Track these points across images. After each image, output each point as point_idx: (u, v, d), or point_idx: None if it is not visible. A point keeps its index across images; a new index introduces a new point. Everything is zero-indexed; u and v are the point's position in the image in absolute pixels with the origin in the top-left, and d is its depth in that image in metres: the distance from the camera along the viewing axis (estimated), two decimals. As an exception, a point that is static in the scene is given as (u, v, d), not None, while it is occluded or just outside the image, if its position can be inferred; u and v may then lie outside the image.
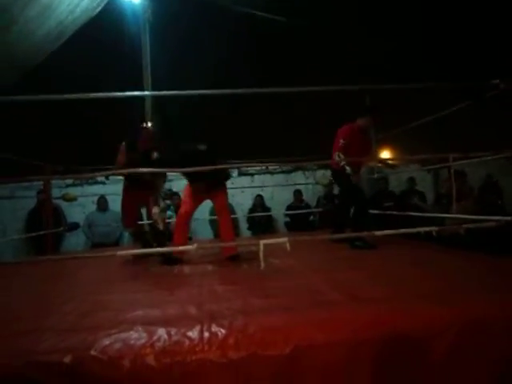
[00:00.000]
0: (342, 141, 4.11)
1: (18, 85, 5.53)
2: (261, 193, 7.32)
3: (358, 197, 4.22)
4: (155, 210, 3.76)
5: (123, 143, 3.96)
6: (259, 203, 7.13)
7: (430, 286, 2.32)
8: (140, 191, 3.95)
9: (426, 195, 6.98)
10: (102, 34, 6.22)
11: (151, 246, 4.06)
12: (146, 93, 5.59)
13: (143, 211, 5.11)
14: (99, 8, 6.00)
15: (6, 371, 1.62)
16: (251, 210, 7.09)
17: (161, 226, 3.73)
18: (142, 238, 4.26)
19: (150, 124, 3.88)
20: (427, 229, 2.55)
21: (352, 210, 4.27)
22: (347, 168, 3.99)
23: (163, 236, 3.77)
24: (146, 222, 4.76)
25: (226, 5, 5.99)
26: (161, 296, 2.50)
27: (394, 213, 4.59)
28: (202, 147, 3.59)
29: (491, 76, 2.96)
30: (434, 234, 2.61)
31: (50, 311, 2.23)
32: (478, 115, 4.05)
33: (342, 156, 4.03)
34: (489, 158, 3.34)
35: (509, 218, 2.64)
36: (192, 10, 6.10)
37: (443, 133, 5.13)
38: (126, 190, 4.17)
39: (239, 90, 3.02)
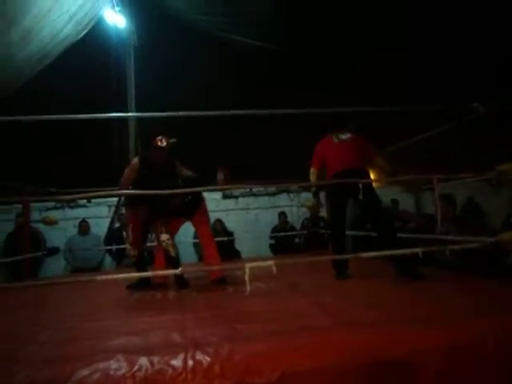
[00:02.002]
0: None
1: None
2: (221, 218, 6.88)
3: (333, 219, 3.93)
4: (164, 237, 3.57)
5: (135, 159, 3.76)
6: (219, 228, 6.67)
7: (417, 309, 2.30)
8: (146, 211, 3.65)
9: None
10: (85, 57, 6.22)
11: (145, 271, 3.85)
12: (129, 114, 5.58)
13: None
14: (83, 33, 6.01)
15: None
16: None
17: (173, 253, 3.58)
18: (140, 262, 3.88)
19: (164, 141, 3.63)
20: (413, 250, 2.55)
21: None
22: (312, 189, 3.95)
23: (177, 262, 3.62)
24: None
25: (210, 31, 6.09)
26: (143, 322, 2.41)
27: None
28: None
29: (471, 99, 3.04)
30: (420, 255, 2.61)
31: (25, 340, 2.13)
32: (457, 138, 4.14)
33: (311, 175, 3.86)
34: (472, 179, 3.39)
35: (492, 239, 2.66)
36: (176, 35, 6.17)
37: (425, 155, 5.22)
38: (131, 208, 3.85)
39: (220, 112, 3.02)
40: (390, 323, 2.04)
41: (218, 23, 5.83)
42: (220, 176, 4.02)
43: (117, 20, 6.10)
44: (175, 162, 3.77)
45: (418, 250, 2.54)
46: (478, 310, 2.20)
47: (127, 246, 3.75)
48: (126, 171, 3.68)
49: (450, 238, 3.22)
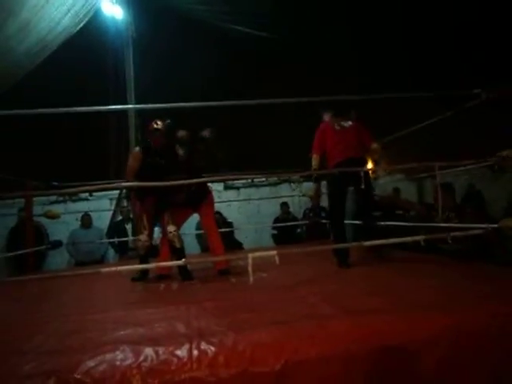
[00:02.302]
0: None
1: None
2: (222, 209, 6.91)
3: (333, 207, 3.94)
4: (171, 228, 3.63)
5: (136, 148, 3.82)
6: (220, 220, 6.48)
7: (420, 296, 2.31)
8: (154, 201, 3.69)
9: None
10: (84, 49, 6.18)
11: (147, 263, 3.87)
12: (129, 106, 5.55)
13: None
14: (81, 24, 5.97)
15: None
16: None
17: (178, 244, 3.64)
18: (146, 255, 3.86)
19: (159, 123, 3.70)
20: (415, 238, 2.55)
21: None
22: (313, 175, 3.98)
23: (182, 253, 3.65)
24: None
25: (208, 20, 6.04)
26: (147, 314, 2.43)
27: (382, 223, 4.58)
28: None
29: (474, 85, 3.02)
30: (422, 243, 2.62)
31: (32, 332, 2.14)
32: (459, 124, 4.12)
33: (313, 160, 3.83)
34: (473, 166, 3.38)
35: (494, 226, 2.67)
36: (174, 25, 6.12)
37: (426, 142, 5.20)
38: (139, 200, 3.82)
39: (220, 103, 3.00)
40: (394, 310, 2.05)
41: (216, 12, 5.78)
42: (206, 133, 3.96)
43: (114, 11, 6.04)
44: (174, 144, 3.81)
45: (420, 238, 2.54)
46: (481, 296, 2.21)
47: (143, 237, 3.71)
48: (130, 161, 3.70)
49: (451, 225, 3.21)
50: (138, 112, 6.11)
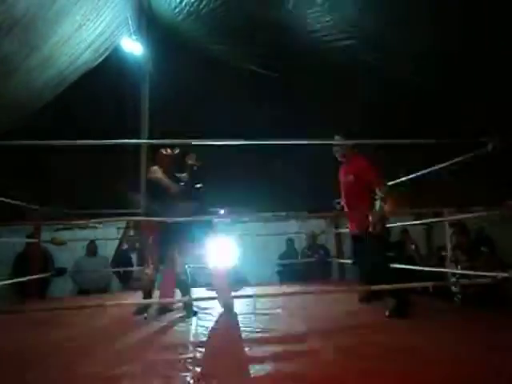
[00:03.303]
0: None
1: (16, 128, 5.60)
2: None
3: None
4: (181, 259, 3.67)
5: (153, 167, 3.84)
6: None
7: (423, 355, 2.22)
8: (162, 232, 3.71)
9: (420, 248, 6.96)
10: (101, 82, 6.39)
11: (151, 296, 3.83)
12: (143, 140, 5.66)
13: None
14: (100, 59, 6.21)
15: None
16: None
17: (184, 277, 3.67)
18: (149, 288, 3.87)
19: (169, 150, 3.80)
20: (423, 284, 2.52)
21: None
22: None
23: (188, 288, 3.66)
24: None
25: (223, 59, 6.25)
26: (149, 350, 2.40)
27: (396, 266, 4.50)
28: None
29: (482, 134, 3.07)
30: (430, 289, 2.58)
31: (33, 364, 2.12)
32: (468, 171, 4.14)
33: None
34: (482, 213, 3.37)
35: (505, 274, 2.62)
36: (190, 62, 6.34)
37: (436, 186, 5.20)
38: (149, 229, 3.88)
39: (232, 142, 3.06)
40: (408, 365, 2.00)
41: (230, 52, 5.99)
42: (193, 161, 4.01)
43: (133, 48, 6.28)
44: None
45: (429, 284, 2.50)
46: (491, 345, 2.15)
47: (148, 270, 3.73)
48: (155, 173, 3.72)
49: (463, 272, 3.15)
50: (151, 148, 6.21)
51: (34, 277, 5.23)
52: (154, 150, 5.60)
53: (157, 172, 3.72)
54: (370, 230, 3.17)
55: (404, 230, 7.07)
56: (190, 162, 3.89)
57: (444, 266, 3.79)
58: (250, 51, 5.70)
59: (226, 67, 6.39)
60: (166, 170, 3.74)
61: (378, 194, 3.24)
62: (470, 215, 3.44)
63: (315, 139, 3.24)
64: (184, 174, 3.85)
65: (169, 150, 3.79)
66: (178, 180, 3.75)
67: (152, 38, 6.60)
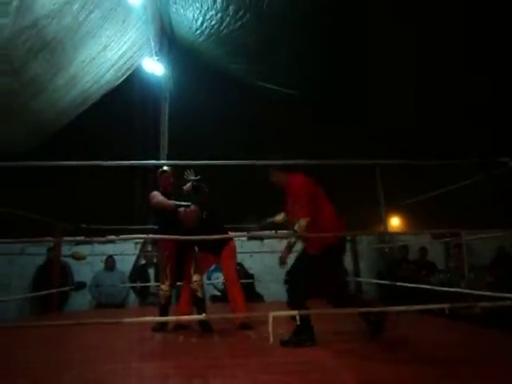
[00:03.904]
0: None
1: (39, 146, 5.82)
2: (244, 260, 6.83)
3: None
4: (196, 277, 3.71)
5: (152, 193, 3.91)
6: (241, 272, 6.59)
7: (436, 371, 2.20)
8: (181, 246, 3.75)
9: (437, 266, 6.86)
10: (121, 101, 6.59)
11: (167, 315, 3.83)
12: (162, 162, 5.79)
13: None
14: (123, 78, 6.41)
15: None
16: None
17: (200, 294, 3.71)
18: (166, 305, 3.86)
19: (165, 168, 3.95)
20: (439, 306, 2.50)
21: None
22: None
23: (203, 303, 3.71)
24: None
25: (241, 78, 6.38)
26: (164, 367, 2.44)
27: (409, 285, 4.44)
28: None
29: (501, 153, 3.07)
30: (446, 311, 2.56)
31: (52, 378, 2.18)
32: (486, 190, 4.11)
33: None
34: (499, 234, 3.33)
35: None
36: (212, 82, 6.49)
37: (454, 205, 5.16)
38: (165, 242, 3.90)
39: (252, 162, 3.12)
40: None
41: (252, 72, 6.11)
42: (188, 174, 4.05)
43: (155, 68, 6.46)
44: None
45: (446, 306, 2.49)
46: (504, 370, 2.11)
47: (164, 287, 3.79)
48: (153, 199, 3.80)
49: (480, 293, 3.11)
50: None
51: (54, 290, 5.35)
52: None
53: (155, 197, 3.80)
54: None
55: (422, 249, 7.00)
56: (189, 178, 3.99)
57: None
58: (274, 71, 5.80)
59: (245, 87, 6.51)
60: (165, 189, 3.86)
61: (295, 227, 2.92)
62: (486, 235, 3.41)
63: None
64: (188, 185, 3.97)
65: (165, 168, 3.94)
66: (179, 196, 3.82)
67: (173, 58, 6.79)
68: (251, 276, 6.87)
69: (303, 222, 2.88)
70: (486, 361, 2.34)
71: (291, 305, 2.93)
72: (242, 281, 5.82)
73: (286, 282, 3.14)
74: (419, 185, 4.99)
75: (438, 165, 3.43)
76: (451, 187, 4.08)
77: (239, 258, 5.99)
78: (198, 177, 3.94)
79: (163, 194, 3.81)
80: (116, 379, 2.18)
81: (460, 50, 3.80)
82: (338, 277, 3.19)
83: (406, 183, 4.36)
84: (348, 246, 6.86)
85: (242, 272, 6.62)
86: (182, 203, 3.56)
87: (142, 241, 7.47)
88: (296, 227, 2.90)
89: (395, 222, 8.83)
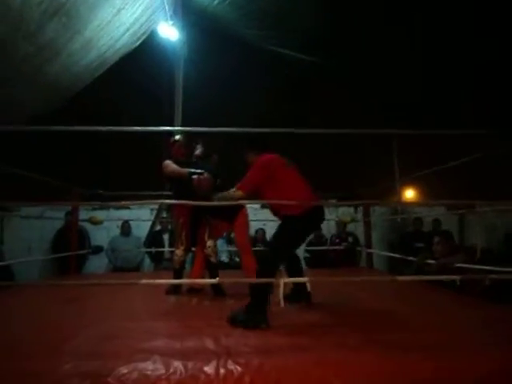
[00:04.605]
0: None
1: (56, 110, 5.85)
2: (264, 227, 6.90)
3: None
4: (210, 243, 3.78)
5: (166, 161, 3.91)
6: (261, 237, 6.79)
7: (439, 336, 2.24)
8: (195, 213, 3.81)
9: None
10: (136, 67, 6.54)
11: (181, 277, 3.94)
12: (177, 128, 5.77)
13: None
14: (138, 42, 6.33)
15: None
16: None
17: (213, 259, 3.79)
18: (180, 269, 3.94)
19: (177, 137, 3.98)
20: (449, 277, 2.51)
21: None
22: None
23: (216, 269, 3.80)
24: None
25: (258, 44, 6.23)
26: (179, 327, 2.53)
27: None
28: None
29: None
30: (458, 282, 2.57)
31: (71, 335, 2.28)
32: (503, 162, 4.02)
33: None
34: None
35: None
36: (226, 47, 6.36)
37: (470, 176, 5.08)
38: (180, 209, 3.93)
39: (268, 130, 3.09)
40: (425, 347, 2.02)
41: (268, 37, 5.96)
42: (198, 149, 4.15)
43: (169, 33, 6.35)
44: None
45: (456, 278, 2.49)
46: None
47: (179, 252, 3.87)
48: (166, 168, 3.82)
49: (491, 268, 3.10)
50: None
51: (72, 253, 5.52)
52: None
53: (168, 165, 3.81)
54: None
55: (435, 220, 6.98)
56: (197, 151, 4.08)
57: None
58: (290, 35, 5.63)
59: (264, 52, 6.37)
60: (177, 158, 3.88)
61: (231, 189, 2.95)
62: (501, 207, 3.37)
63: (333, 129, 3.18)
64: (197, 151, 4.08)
65: (176, 136, 3.97)
66: (189, 164, 3.83)
67: (188, 22, 6.65)
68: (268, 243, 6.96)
69: (238, 194, 2.90)
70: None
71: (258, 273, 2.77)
72: (259, 248, 5.97)
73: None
74: (434, 157, 4.92)
75: (456, 134, 3.35)
76: (468, 158, 4.01)
77: (253, 225, 6.07)
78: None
79: (175, 162, 3.84)
80: (130, 335, 2.28)
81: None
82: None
83: (420, 156, 4.28)
84: (360, 217, 6.90)
85: (262, 238, 6.73)
86: (196, 171, 3.57)
87: (157, 207, 7.61)
88: (231, 190, 2.93)
89: (410, 195, 8.74)
